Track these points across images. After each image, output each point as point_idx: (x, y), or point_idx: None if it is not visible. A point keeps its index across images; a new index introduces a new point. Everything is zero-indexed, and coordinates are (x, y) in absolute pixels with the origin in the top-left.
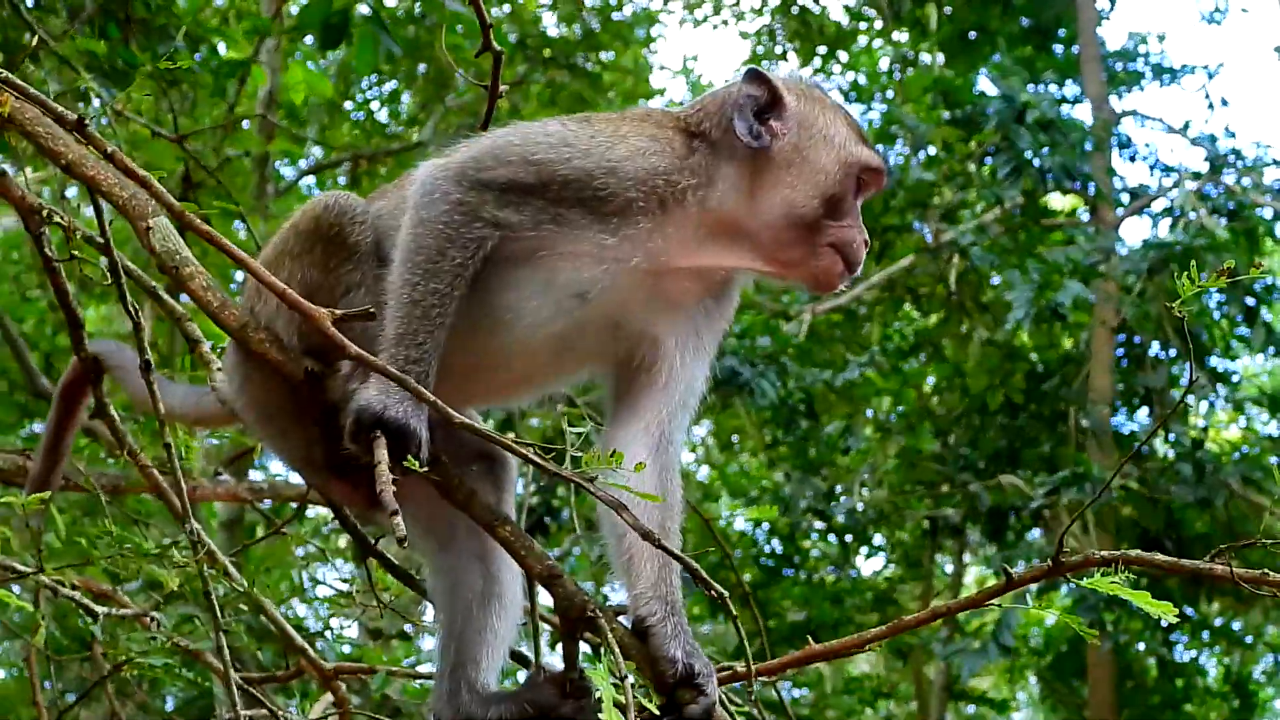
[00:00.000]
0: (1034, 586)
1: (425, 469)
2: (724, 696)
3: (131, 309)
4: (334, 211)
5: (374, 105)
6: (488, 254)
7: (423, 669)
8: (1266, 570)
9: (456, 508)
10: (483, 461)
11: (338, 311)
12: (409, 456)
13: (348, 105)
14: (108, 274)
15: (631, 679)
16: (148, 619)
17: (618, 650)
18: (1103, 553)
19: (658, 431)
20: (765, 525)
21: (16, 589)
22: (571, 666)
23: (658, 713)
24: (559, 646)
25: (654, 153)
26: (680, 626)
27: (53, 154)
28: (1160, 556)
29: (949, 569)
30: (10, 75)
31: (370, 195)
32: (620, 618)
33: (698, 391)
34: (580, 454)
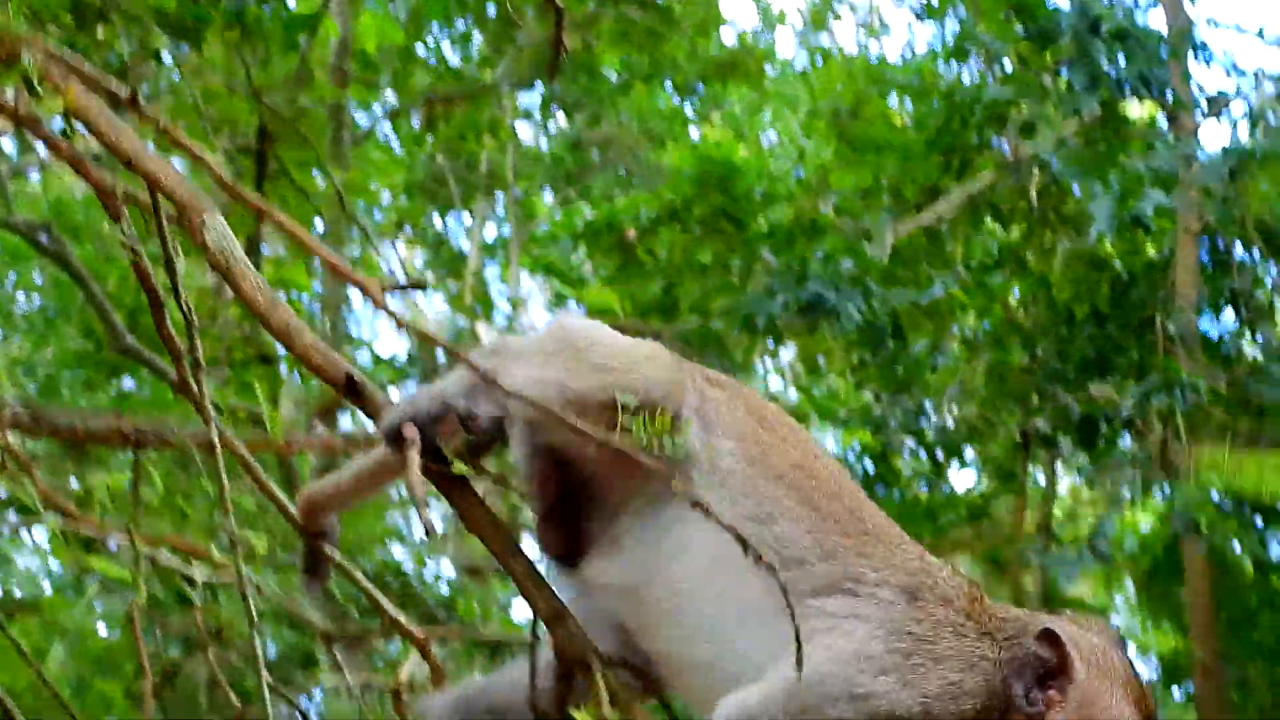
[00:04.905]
0: (1128, 494)
1: (460, 466)
2: None
3: (184, 305)
4: None
5: (445, 47)
6: None
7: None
8: None
9: (470, 530)
10: None
11: (388, 281)
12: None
13: (419, 49)
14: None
15: None
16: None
17: (605, 699)
18: None
19: None
20: (856, 445)
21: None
22: (561, 708)
23: None
24: None
25: (970, 692)
26: None
27: (115, 149)
28: None
29: (1041, 480)
30: (61, 50)
31: None
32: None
33: None
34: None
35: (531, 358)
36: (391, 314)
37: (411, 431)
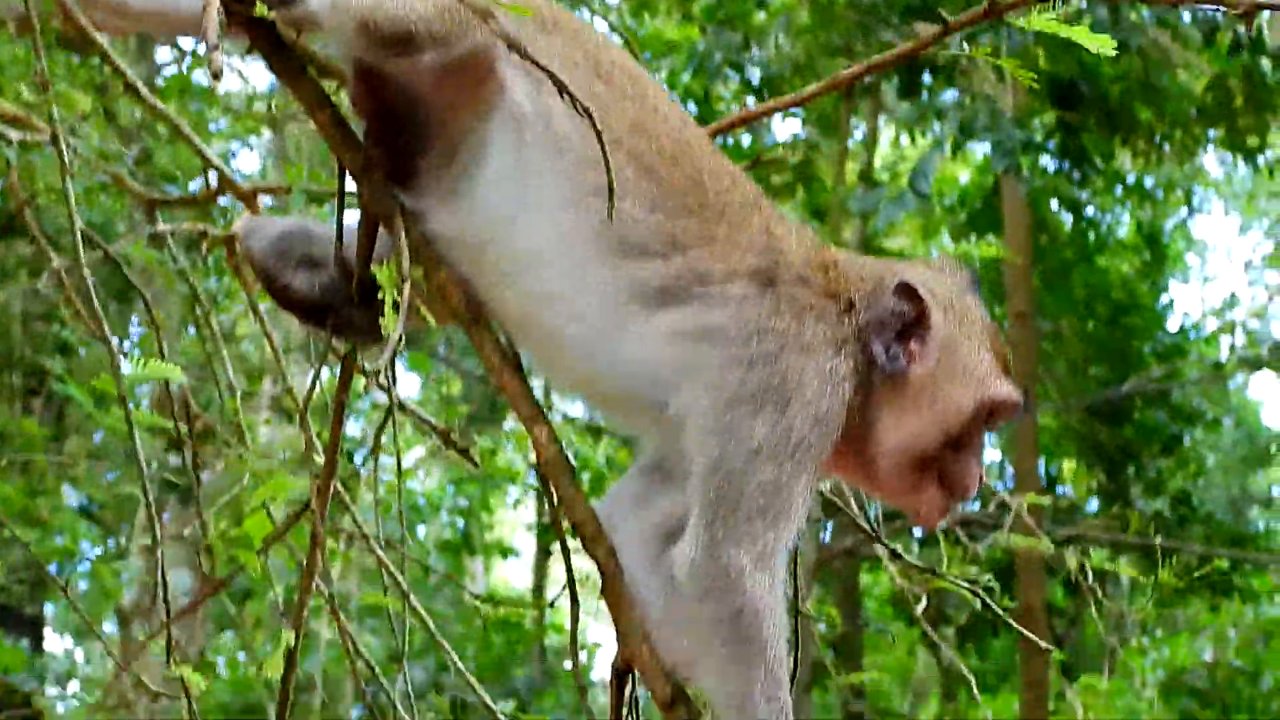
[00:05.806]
0: (948, 148)
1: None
2: None
3: None
4: None
5: None
6: None
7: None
8: None
9: (275, 74)
10: None
11: None
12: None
13: None
14: None
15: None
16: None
17: (406, 255)
18: None
19: None
20: (678, 93)
21: None
22: (365, 267)
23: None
24: None
25: (845, 376)
26: None
27: None
28: None
29: (864, 130)
30: None
31: None
32: None
33: None
34: None
35: None
36: None
37: None
